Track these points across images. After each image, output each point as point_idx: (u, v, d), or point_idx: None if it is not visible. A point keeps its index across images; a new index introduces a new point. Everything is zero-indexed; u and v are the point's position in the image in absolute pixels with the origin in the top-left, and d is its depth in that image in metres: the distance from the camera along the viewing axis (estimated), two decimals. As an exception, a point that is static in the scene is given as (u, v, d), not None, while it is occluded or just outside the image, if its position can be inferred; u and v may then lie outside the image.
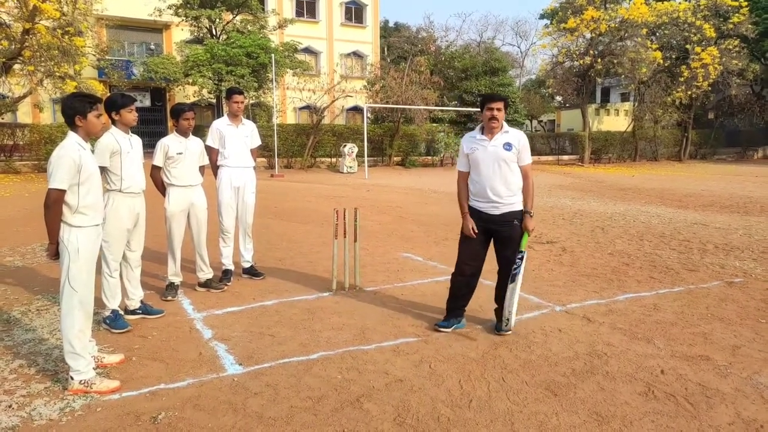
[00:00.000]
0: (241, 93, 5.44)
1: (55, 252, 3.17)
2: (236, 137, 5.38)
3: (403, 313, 4.54)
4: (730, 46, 25.94)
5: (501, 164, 3.90)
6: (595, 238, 7.89)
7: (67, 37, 15.20)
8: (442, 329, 4.10)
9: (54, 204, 3.08)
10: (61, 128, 17.77)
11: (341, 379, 3.33)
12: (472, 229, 3.97)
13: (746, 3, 25.95)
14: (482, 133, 4.01)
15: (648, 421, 2.88)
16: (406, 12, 73.80)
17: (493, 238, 4.04)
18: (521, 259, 3.96)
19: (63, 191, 3.08)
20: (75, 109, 3.19)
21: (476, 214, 4.01)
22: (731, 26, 26.27)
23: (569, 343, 3.90)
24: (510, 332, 4.03)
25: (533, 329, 4.17)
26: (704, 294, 5.14)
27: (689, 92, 26.41)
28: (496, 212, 3.93)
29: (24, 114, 24.42)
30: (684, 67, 26.05)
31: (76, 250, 3.14)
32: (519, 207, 3.95)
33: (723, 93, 28.15)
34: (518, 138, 3.95)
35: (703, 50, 25.50)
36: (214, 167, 5.40)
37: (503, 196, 3.91)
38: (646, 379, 3.35)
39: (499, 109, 3.88)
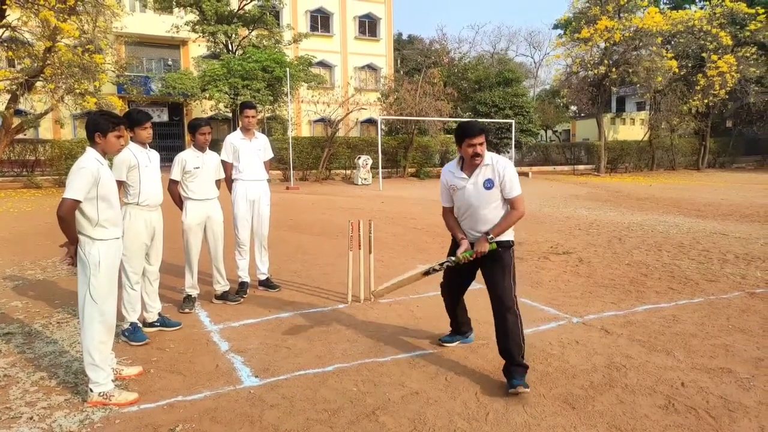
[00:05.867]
0: (253, 107, 5.48)
1: (74, 252, 3.21)
2: (250, 151, 5.43)
3: (418, 326, 4.53)
4: (748, 54, 25.69)
5: (482, 204, 3.50)
6: (612, 248, 7.81)
7: (87, 54, 15.53)
8: (445, 344, 4.06)
9: (67, 213, 3.12)
10: (81, 143, 18.11)
11: (357, 392, 3.32)
12: (464, 254, 3.55)
13: (763, 10, 25.69)
14: (461, 168, 3.59)
15: (669, 434, 2.83)
16: (420, 25, 74.34)
17: (480, 267, 3.63)
18: (445, 264, 3.64)
19: (77, 202, 3.13)
20: (98, 126, 3.27)
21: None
22: (748, 34, 26.01)
23: (587, 356, 3.86)
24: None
25: (550, 341, 4.14)
26: (725, 305, 5.05)
27: (706, 100, 26.17)
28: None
29: (45, 130, 24.96)
30: (700, 75, 25.84)
31: (96, 263, 3.19)
32: (506, 237, 3.56)
33: (741, 101, 27.83)
34: (499, 171, 3.47)
35: (719, 58, 25.28)
36: (229, 181, 5.45)
37: (487, 228, 3.53)
38: (666, 392, 3.29)
39: (481, 144, 3.42)
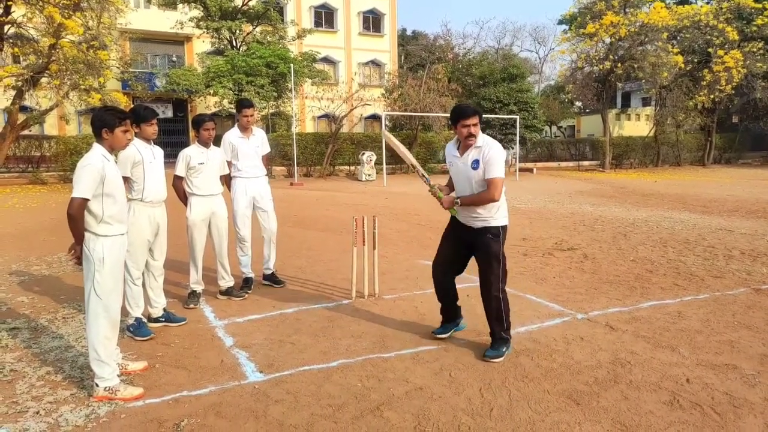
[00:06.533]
0: (251, 106, 5.42)
1: (80, 253, 3.23)
2: (249, 148, 5.40)
3: (422, 321, 4.53)
4: (754, 49, 25.50)
5: (471, 182, 3.77)
6: (617, 244, 7.79)
7: (91, 50, 15.54)
8: (439, 336, 4.10)
9: (77, 212, 3.15)
10: (86, 140, 18.17)
11: (361, 387, 3.33)
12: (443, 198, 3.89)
13: (770, 4, 25.51)
14: (457, 148, 3.87)
15: (673, 431, 2.83)
16: (424, 20, 74.11)
17: (474, 254, 3.91)
18: (426, 179, 4.08)
19: (86, 200, 3.15)
20: (104, 121, 3.27)
21: (455, 221, 4.01)
22: (755, 29, 25.83)
23: (592, 352, 3.85)
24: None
25: (555, 337, 4.13)
26: (730, 301, 5.03)
27: (712, 96, 26.00)
28: (472, 226, 3.84)
29: (50, 126, 25.05)
30: (706, 70, 25.67)
31: (101, 259, 3.20)
32: (494, 223, 3.77)
33: (747, 96, 27.62)
34: (485, 152, 3.70)
35: (725, 53, 25.10)
36: (228, 179, 5.43)
37: (478, 212, 3.77)
38: (671, 388, 3.29)
39: (474, 125, 3.69)
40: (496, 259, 3.77)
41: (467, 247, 3.92)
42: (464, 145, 3.79)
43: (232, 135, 5.42)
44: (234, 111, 24.71)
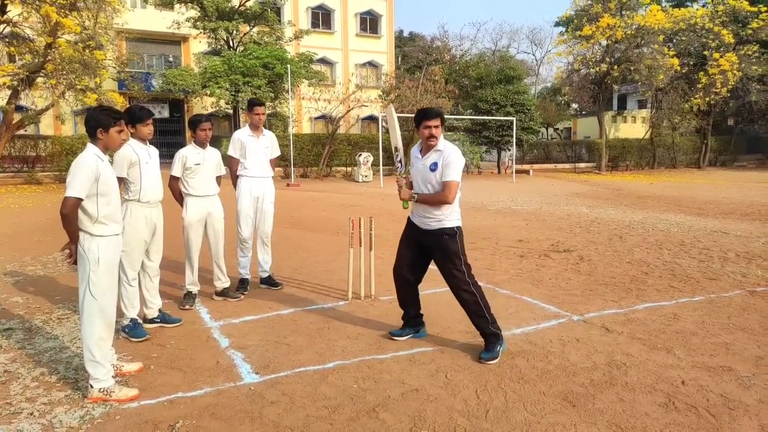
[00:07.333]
0: (262, 105, 5.51)
1: (75, 252, 3.22)
2: (257, 148, 5.44)
3: (418, 323, 4.52)
4: (750, 52, 25.65)
5: (427, 184, 3.85)
6: (613, 246, 7.81)
7: (88, 50, 15.51)
8: (395, 337, 4.12)
9: (70, 211, 3.13)
10: (82, 140, 18.10)
11: (357, 389, 3.32)
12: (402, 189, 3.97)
13: (765, 8, 25.63)
14: (420, 150, 3.96)
15: (669, 432, 2.83)
16: (421, 22, 74.37)
17: (433, 259, 3.96)
18: (399, 159, 4.23)
19: (79, 199, 3.13)
20: (99, 121, 3.25)
21: (410, 224, 4.06)
22: (750, 32, 25.98)
23: (587, 354, 3.86)
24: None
25: (551, 339, 4.13)
26: (726, 303, 5.05)
27: (707, 99, 26.15)
28: (426, 227, 3.89)
29: (46, 126, 24.96)
30: (702, 73, 25.82)
31: (96, 260, 3.19)
32: (449, 224, 3.82)
33: (743, 99, 27.80)
34: (445, 156, 3.78)
35: (721, 56, 25.25)
36: (234, 177, 5.46)
37: (432, 212, 3.83)
38: (667, 390, 3.29)
39: (436, 126, 3.79)
40: (457, 256, 3.82)
41: (425, 251, 3.98)
42: (426, 147, 3.88)
43: (242, 133, 5.48)
44: (230, 112, 24.78)
